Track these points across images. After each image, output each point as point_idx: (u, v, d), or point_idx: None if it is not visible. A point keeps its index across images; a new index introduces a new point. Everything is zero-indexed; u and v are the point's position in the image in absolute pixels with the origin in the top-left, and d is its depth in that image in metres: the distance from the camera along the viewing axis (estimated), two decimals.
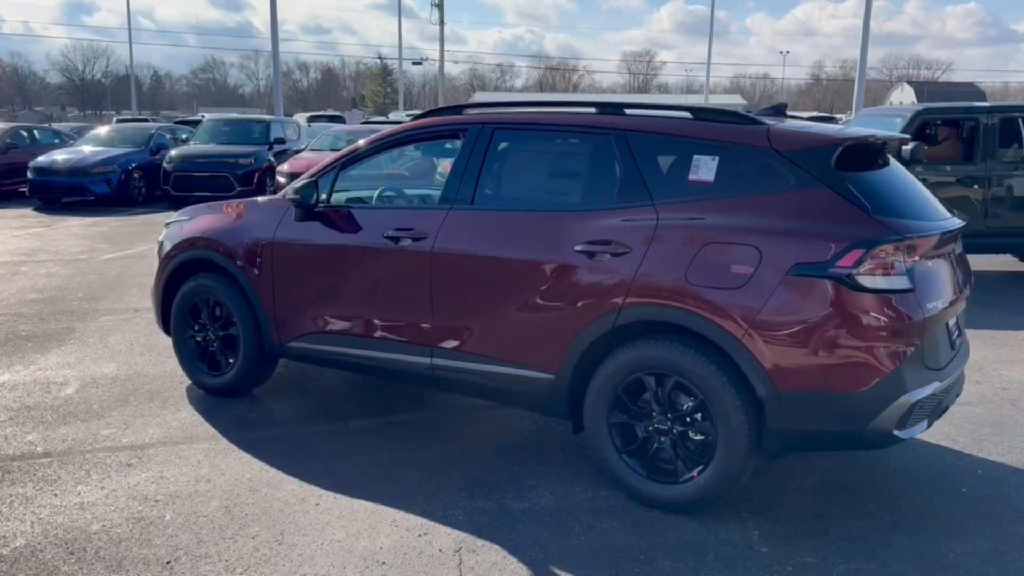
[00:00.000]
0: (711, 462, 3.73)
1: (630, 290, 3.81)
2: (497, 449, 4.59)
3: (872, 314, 3.46)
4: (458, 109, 4.77)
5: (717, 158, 3.82)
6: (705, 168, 3.84)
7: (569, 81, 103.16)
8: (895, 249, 3.48)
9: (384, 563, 3.41)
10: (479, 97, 79.77)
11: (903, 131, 8.77)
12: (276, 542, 3.55)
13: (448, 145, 4.97)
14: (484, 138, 4.43)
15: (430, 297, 4.39)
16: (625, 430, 3.97)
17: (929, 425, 3.81)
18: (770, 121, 3.99)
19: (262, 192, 16.14)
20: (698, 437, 3.79)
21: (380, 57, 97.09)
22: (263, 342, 5.11)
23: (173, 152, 16.24)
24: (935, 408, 3.80)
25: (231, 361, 5.29)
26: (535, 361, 4.12)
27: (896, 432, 3.57)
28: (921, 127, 9.14)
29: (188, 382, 5.59)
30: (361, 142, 4.91)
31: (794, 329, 3.51)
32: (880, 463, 4.44)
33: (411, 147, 5.55)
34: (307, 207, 4.77)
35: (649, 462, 3.92)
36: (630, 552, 3.52)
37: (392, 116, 36.11)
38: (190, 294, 5.34)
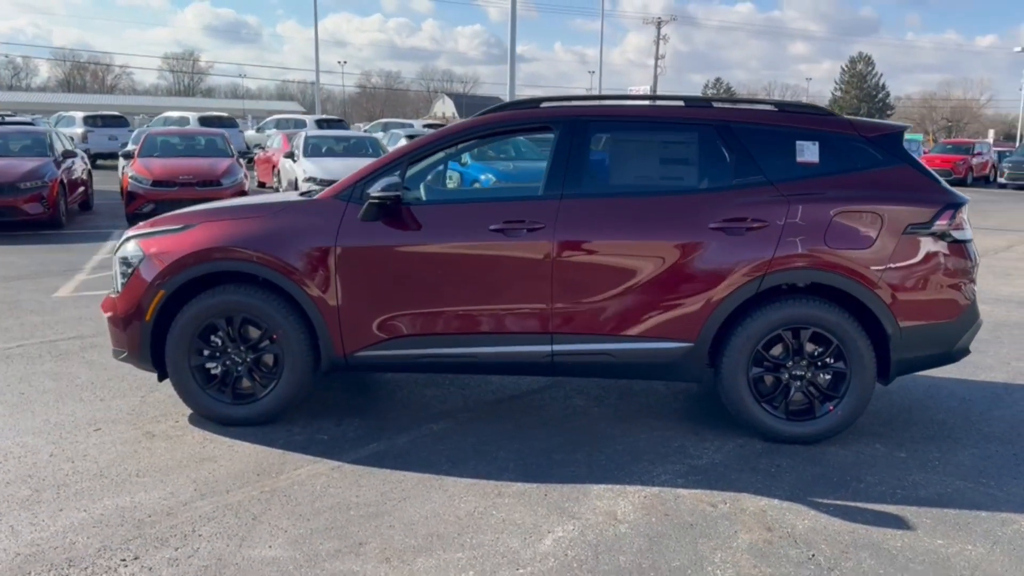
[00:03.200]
0: (846, 395, 4.49)
1: (774, 258, 4.40)
2: (603, 425, 4.84)
3: (959, 259, 4.52)
4: (535, 103, 4.87)
5: (817, 143, 4.58)
6: (809, 151, 4.57)
7: (103, 81, 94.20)
8: (963, 209, 4.57)
9: (692, 525, 3.61)
10: None
11: None
12: (584, 529, 3.53)
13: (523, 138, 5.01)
14: (581, 130, 4.63)
15: (550, 286, 4.49)
16: (762, 381, 4.55)
17: None
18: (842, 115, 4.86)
19: None
20: (828, 377, 4.52)
21: None
22: (319, 358, 4.66)
23: None
24: None
25: (265, 385, 4.71)
26: (672, 333, 4.50)
27: (969, 348, 4.68)
28: None
29: (180, 416, 4.82)
30: (428, 135, 4.76)
31: (910, 275, 4.43)
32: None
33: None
34: (390, 205, 4.50)
35: (786, 405, 4.55)
36: (835, 476, 4.15)
37: None
38: (204, 313, 4.62)
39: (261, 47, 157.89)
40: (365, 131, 26.56)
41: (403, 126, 28.70)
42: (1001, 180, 29.71)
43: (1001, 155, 32.80)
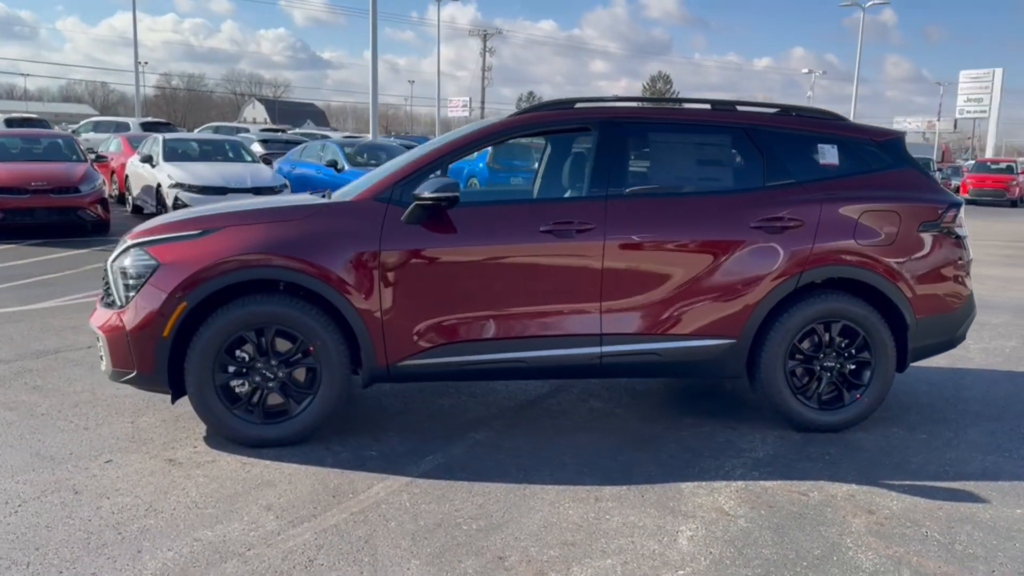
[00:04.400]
0: (870, 384, 4.77)
1: (811, 255, 4.61)
2: (637, 425, 4.88)
3: (960, 253, 4.92)
4: (569, 103, 4.82)
5: (835, 146, 4.85)
6: (830, 154, 4.84)
7: None
8: (961, 208, 4.98)
9: (802, 515, 3.71)
10: None
11: None
12: (708, 526, 3.55)
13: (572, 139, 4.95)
14: (620, 131, 4.66)
15: (600, 287, 4.48)
16: (795, 374, 4.75)
17: None
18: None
19: None
20: (854, 367, 4.79)
21: None
22: (359, 369, 4.41)
23: None
24: None
25: (299, 401, 4.38)
26: (716, 330, 4.60)
27: (965, 335, 5.10)
28: None
29: (194, 441, 4.40)
30: (466, 133, 4.62)
31: (925, 269, 4.79)
32: None
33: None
34: (444, 207, 4.33)
35: (818, 396, 4.77)
36: (885, 460, 4.41)
37: None
38: (232, 326, 4.24)
39: (38, 45, 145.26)
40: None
41: (238, 130, 27.43)
42: None
43: None
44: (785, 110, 5.07)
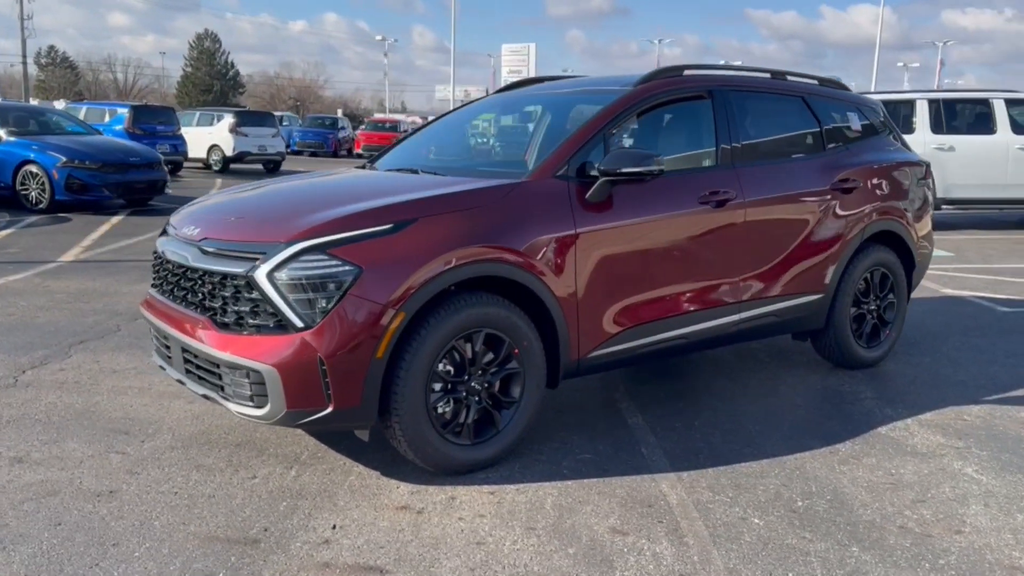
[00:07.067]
0: (894, 321, 5.54)
1: (870, 212, 5.19)
2: (734, 387, 5.08)
3: (931, 202, 5.88)
4: (678, 71, 4.71)
5: (857, 112, 5.47)
6: (855, 120, 5.45)
7: None
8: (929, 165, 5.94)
9: (993, 437, 4.28)
10: None
11: None
12: (969, 462, 3.94)
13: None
14: (730, 99, 4.75)
15: (740, 253, 4.60)
16: (853, 320, 5.32)
17: None
18: None
19: None
20: (883, 307, 5.50)
21: None
22: (553, 368, 3.99)
23: None
24: None
25: (502, 412, 3.84)
26: (813, 286, 4.99)
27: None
28: None
29: (372, 480, 3.66)
30: (614, 102, 4.32)
31: (920, 217, 5.68)
32: None
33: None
34: (618, 182, 4.05)
35: (866, 336, 5.41)
36: (943, 381, 5.20)
37: None
38: (449, 335, 3.57)
39: None
40: None
41: None
42: None
43: None
44: (819, 80, 5.52)
